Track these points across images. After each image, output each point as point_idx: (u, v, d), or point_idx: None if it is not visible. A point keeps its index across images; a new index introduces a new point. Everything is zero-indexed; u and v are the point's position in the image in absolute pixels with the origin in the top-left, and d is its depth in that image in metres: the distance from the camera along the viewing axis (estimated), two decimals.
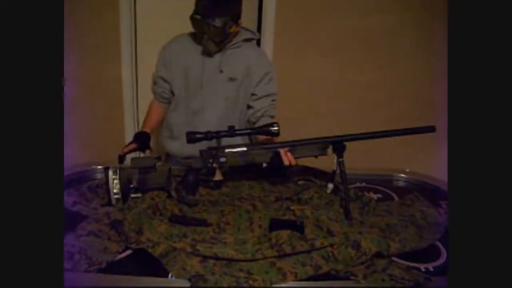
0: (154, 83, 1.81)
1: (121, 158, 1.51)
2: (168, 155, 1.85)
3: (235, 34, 1.67)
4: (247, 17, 2.59)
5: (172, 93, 1.78)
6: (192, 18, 1.56)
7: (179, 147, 1.77)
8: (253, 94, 1.73)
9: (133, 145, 1.57)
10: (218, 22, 1.53)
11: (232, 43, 1.68)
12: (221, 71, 1.68)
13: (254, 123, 1.73)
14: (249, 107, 1.75)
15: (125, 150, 1.54)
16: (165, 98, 1.81)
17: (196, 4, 1.56)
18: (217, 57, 1.68)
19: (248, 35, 1.73)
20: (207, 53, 1.67)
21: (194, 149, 1.46)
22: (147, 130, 1.71)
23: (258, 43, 2.67)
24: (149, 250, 1.09)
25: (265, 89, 1.72)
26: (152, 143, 1.67)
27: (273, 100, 1.74)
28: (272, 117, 1.73)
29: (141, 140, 1.62)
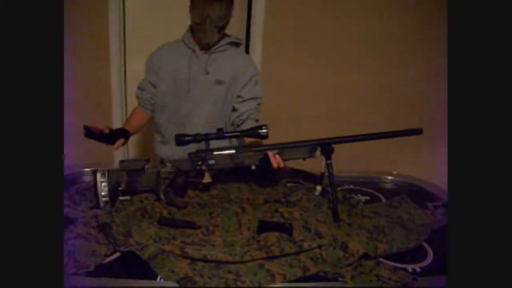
0: (142, 89, 1.80)
1: (86, 130, 1.43)
2: (162, 162, 1.84)
3: (223, 35, 1.70)
4: (236, 21, 2.61)
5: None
6: (195, 7, 1.58)
7: (168, 151, 1.77)
8: (238, 97, 1.74)
9: (106, 128, 1.51)
10: (225, 2, 1.57)
11: (218, 45, 1.70)
12: (207, 73, 1.69)
13: (238, 125, 1.74)
14: (233, 109, 1.76)
15: (94, 126, 1.48)
16: (152, 104, 1.81)
17: None
18: (204, 59, 1.70)
19: (233, 39, 1.75)
20: (206, 45, 1.67)
21: (183, 152, 1.46)
22: (127, 128, 1.67)
23: (247, 47, 2.69)
24: (138, 252, 1.08)
25: (250, 92, 1.74)
26: (145, 150, 1.65)
27: (258, 104, 1.76)
28: (257, 120, 1.74)
29: (118, 132, 1.57)
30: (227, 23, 1.65)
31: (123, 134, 1.59)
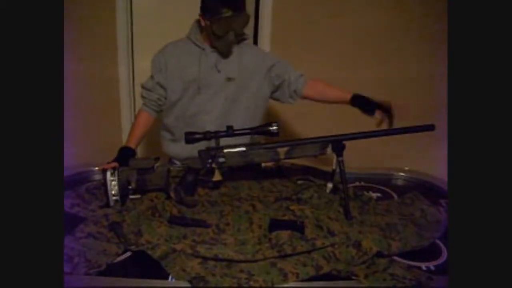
0: (149, 89, 1.77)
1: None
2: (171, 160, 1.83)
3: None
4: None
5: (166, 98, 1.77)
6: (219, 19, 1.55)
7: (179, 149, 1.76)
8: (276, 76, 1.77)
9: (115, 164, 1.50)
10: (245, 12, 1.58)
11: None
12: (219, 71, 1.68)
13: (295, 91, 1.78)
14: (280, 87, 1.79)
15: (106, 167, 1.46)
16: (159, 106, 1.78)
17: (221, 3, 1.54)
18: (213, 57, 1.69)
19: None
20: (225, 53, 1.69)
21: (193, 150, 1.45)
22: (132, 145, 1.67)
23: (256, 43, 2.68)
24: (149, 252, 1.08)
25: (283, 67, 1.77)
26: (152, 148, 1.64)
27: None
28: (302, 75, 1.79)
29: (124, 158, 1.54)
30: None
31: (129, 157, 1.55)
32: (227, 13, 1.54)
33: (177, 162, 1.80)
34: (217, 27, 1.58)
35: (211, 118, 1.70)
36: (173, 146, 1.81)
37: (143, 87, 1.79)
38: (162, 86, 1.74)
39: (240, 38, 1.68)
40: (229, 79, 1.69)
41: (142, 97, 1.80)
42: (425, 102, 2.62)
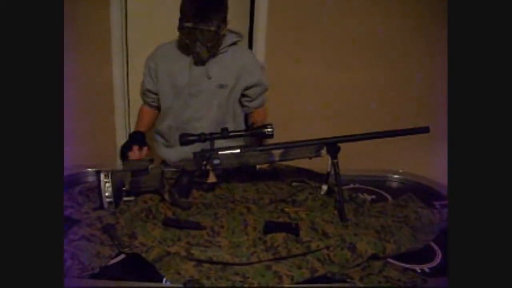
0: (143, 93, 1.82)
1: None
2: (164, 162, 1.83)
3: (223, 37, 1.66)
4: (239, 19, 2.60)
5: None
6: (182, 28, 1.55)
7: (174, 154, 1.75)
8: (246, 96, 1.76)
9: (136, 148, 1.60)
10: (211, 26, 1.53)
11: (220, 47, 1.66)
12: (210, 78, 1.66)
13: (251, 113, 1.80)
14: (243, 105, 1.79)
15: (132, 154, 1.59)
16: (155, 106, 1.83)
17: (185, 12, 1.55)
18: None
19: (234, 38, 1.71)
20: (199, 61, 1.65)
21: (187, 155, 1.45)
22: (142, 130, 1.74)
23: (250, 45, 2.67)
24: (143, 254, 1.07)
25: (257, 91, 1.76)
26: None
27: (265, 93, 1.81)
28: (263, 105, 1.82)
29: (139, 139, 1.65)
30: (219, 40, 1.62)
31: (143, 139, 1.67)
32: (188, 23, 1.53)
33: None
34: (183, 36, 1.59)
35: (204, 125, 1.69)
36: (166, 150, 1.81)
37: (141, 86, 1.83)
38: (152, 92, 1.76)
39: (214, 50, 1.63)
40: (221, 86, 1.67)
41: (142, 96, 1.85)
42: (422, 106, 2.64)
